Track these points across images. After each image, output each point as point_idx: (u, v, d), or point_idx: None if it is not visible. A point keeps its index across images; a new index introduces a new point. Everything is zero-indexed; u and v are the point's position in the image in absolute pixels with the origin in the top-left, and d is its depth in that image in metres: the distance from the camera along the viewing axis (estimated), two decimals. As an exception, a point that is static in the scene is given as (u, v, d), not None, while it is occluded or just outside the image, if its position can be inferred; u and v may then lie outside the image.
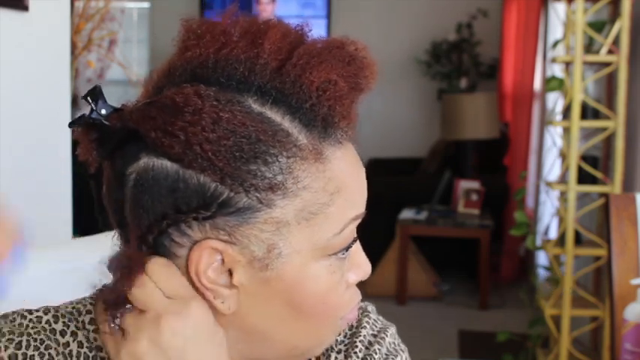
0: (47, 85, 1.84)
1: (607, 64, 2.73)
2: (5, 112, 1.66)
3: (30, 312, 0.65)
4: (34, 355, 0.62)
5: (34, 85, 1.79)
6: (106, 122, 0.58)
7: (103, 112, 0.58)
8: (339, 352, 0.73)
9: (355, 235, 0.63)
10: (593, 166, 2.80)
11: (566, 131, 2.76)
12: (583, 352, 2.82)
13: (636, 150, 2.72)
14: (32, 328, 0.64)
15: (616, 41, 2.66)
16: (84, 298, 0.67)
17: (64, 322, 0.64)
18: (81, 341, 0.64)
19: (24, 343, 0.62)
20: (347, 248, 0.61)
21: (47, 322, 0.65)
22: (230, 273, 0.59)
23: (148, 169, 0.57)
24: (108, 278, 0.60)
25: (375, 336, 0.74)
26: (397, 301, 4.20)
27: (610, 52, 2.67)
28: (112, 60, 3.36)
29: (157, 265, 0.59)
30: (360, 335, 0.73)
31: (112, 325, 0.59)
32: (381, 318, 0.77)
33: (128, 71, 3.06)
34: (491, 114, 4.46)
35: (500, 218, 4.56)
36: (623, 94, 2.63)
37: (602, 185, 2.75)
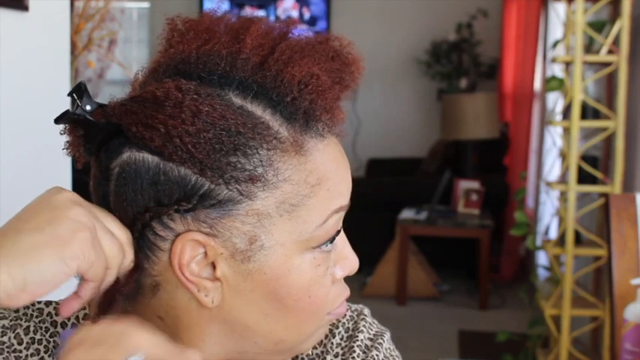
0: (47, 85, 1.84)
1: (607, 64, 2.73)
2: (5, 112, 1.66)
3: (32, 304, 0.68)
4: (41, 339, 0.66)
5: (34, 85, 1.79)
6: (91, 118, 0.58)
7: (88, 108, 0.58)
8: (335, 355, 0.73)
9: (339, 228, 0.63)
10: (593, 166, 2.80)
11: (566, 131, 2.76)
12: (583, 352, 2.81)
13: (636, 150, 2.72)
14: (37, 317, 0.67)
15: (616, 41, 2.66)
16: None
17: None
18: None
19: (32, 329, 0.66)
20: (331, 240, 0.62)
21: (48, 314, 0.68)
22: (213, 266, 0.59)
23: (130, 163, 0.58)
24: None
25: (372, 340, 0.74)
26: (397, 301, 4.19)
27: (610, 52, 2.67)
28: (112, 60, 3.36)
29: None
30: (358, 340, 0.73)
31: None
32: (376, 322, 0.76)
33: (128, 71, 3.06)
34: (491, 114, 4.46)
35: (500, 218, 4.56)
36: (623, 94, 2.63)
37: (602, 185, 2.75)
